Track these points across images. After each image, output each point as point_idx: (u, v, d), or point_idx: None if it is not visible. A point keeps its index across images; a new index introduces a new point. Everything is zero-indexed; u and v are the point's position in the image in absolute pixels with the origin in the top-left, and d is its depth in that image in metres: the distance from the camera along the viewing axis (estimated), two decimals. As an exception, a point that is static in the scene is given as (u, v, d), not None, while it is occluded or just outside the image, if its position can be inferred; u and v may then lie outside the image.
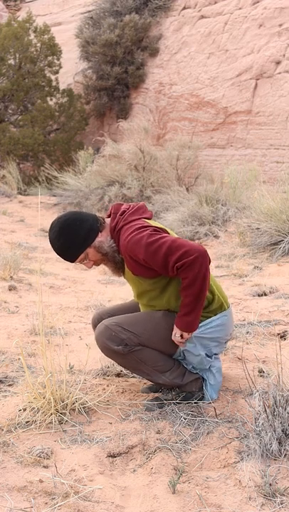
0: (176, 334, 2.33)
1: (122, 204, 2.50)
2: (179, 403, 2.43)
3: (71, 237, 2.33)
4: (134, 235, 2.27)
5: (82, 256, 2.39)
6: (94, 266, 2.49)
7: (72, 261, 2.41)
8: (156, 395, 2.55)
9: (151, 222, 2.40)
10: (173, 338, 2.35)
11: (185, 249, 2.18)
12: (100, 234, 2.39)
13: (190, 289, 2.22)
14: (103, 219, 2.45)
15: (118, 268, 2.45)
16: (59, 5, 17.16)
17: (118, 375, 2.84)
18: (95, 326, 2.61)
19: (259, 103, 9.79)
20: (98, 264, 2.47)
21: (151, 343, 2.37)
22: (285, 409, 2.01)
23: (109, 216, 2.49)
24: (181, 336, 2.32)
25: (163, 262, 2.21)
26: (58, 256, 2.43)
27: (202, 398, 2.46)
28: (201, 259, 2.18)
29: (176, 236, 2.43)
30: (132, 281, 2.46)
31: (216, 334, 2.42)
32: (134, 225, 2.33)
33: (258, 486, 1.85)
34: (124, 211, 2.43)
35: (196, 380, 2.47)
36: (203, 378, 2.48)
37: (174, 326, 2.34)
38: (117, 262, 2.43)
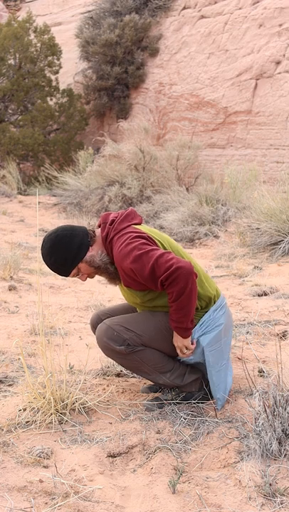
0: (177, 344, 2.35)
1: (111, 213, 2.50)
2: (179, 403, 2.43)
3: (62, 255, 2.35)
4: (124, 247, 2.27)
5: (74, 271, 2.41)
6: (88, 278, 2.50)
7: (65, 276, 2.44)
8: (156, 395, 2.55)
9: (142, 228, 2.39)
10: (174, 344, 2.36)
11: (170, 264, 2.19)
12: (90, 248, 2.40)
13: (176, 303, 2.23)
14: (93, 232, 2.45)
15: (113, 278, 2.46)
16: (59, 5, 17.16)
17: (118, 375, 2.84)
18: (93, 326, 2.62)
19: (259, 103, 9.79)
20: (92, 277, 2.49)
21: (153, 342, 2.38)
22: (285, 409, 2.01)
23: (99, 226, 2.49)
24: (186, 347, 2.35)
25: (150, 276, 2.22)
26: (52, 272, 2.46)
27: (203, 398, 2.46)
28: (187, 275, 2.19)
29: (169, 240, 2.44)
30: (124, 292, 2.48)
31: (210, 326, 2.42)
32: (125, 234, 2.33)
33: (258, 486, 1.85)
34: (113, 220, 2.43)
35: (196, 381, 2.47)
36: (204, 379, 2.48)
37: (174, 335, 2.35)
38: (111, 273, 2.44)
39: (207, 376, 2.44)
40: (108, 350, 2.39)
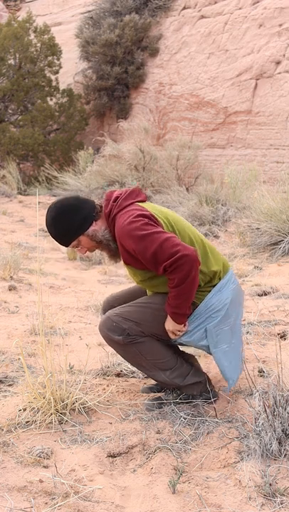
0: (169, 328, 2.32)
1: (115, 191, 2.48)
2: (179, 403, 2.43)
3: (65, 224, 2.34)
4: (127, 225, 2.24)
5: (74, 243, 2.40)
6: (88, 252, 2.49)
7: (65, 246, 2.44)
8: (158, 394, 2.54)
9: (146, 206, 2.36)
10: (166, 328, 2.34)
11: (175, 250, 2.16)
12: (94, 223, 2.38)
13: (177, 289, 2.21)
14: (101, 207, 2.42)
15: (114, 255, 2.44)
16: (59, 5, 17.16)
17: (118, 375, 2.84)
18: (104, 312, 2.61)
19: (259, 103, 9.79)
20: (92, 251, 2.47)
21: (152, 327, 2.35)
22: (285, 409, 2.01)
23: None
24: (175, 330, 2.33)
25: (152, 259, 2.20)
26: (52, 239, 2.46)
27: (204, 397, 2.44)
28: (191, 262, 2.16)
29: (174, 217, 2.39)
30: (127, 267, 2.46)
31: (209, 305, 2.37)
32: (128, 211, 2.30)
33: (258, 486, 1.85)
34: (117, 197, 2.40)
35: (198, 384, 2.43)
36: (209, 384, 2.46)
37: (167, 319, 2.33)
38: (112, 250, 2.42)
39: (215, 360, 2.38)
40: (109, 341, 2.39)
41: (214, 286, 2.38)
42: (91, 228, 2.37)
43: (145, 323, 2.35)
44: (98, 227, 2.38)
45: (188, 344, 2.42)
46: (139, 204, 2.36)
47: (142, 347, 2.36)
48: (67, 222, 2.34)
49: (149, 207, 2.37)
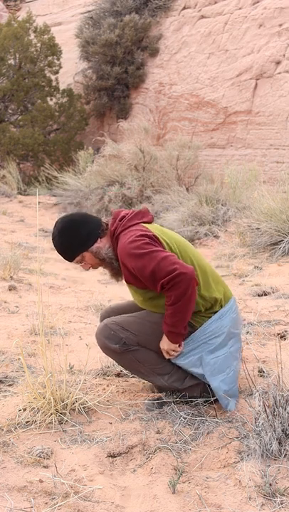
0: (164, 347, 2.34)
1: (123, 210, 2.51)
2: (178, 403, 2.43)
3: (70, 239, 2.37)
4: (128, 244, 2.27)
5: (78, 258, 2.42)
6: (92, 269, 2.51)
7: (69, 261, 2.45)
8: (159, 394, 2.54)
9: (150, 227, 2.39)
10: (161, 347, 2.35)
11: (172, 268, 2.18)
12: (99, 240, 2.41)
13: (173, 307, 2.23)
14: (107, 225, 2.45)
15: (116, 274, 2.47)
16: (59, 5, 17.16)
17: (118, 375, 2.84)
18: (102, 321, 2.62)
19: (259, 103, 9.79)
20: (96, 268, 2.49)
21: (149, 342, 2.38)
22: (285, 409, 2.01)
23: None
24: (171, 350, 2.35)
25: (150, 276, 2.22)
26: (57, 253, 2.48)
27: (204, 397, 2.44)
28: (188, 280, 2.18)
29: (178, 239, 2.42)
30: (129, 288, 2.48)
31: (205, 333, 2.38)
32: (131, 231, 2.33)
33: (258, 486, 1.85)
34: (123, 216, 2.44)
35: (197, 386, 2.44)
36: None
37: (163, 336, 2.34)
38: (115, 268, 2.45)
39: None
40: (105, 349, 2.41)
41: (215, 312, 2.40)
42: (95, 245, 2.40)
43: (142, 335, 2.37)
44: (102, 245, 2.41)
45: (184, 368, 2.42)
46: (144, 225, 2.39)
47: (138, 354, 2.38)
48: (72, 237, 2.37)
49: (153, 228, 2.40)
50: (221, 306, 2.43)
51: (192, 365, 2.38)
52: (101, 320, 2.64)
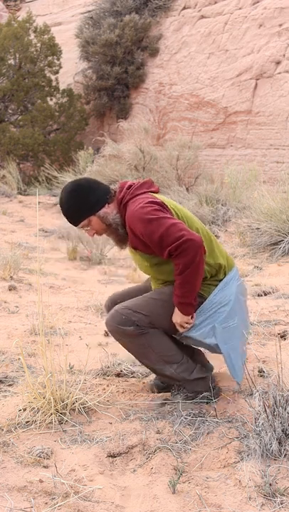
0: (177, 320, 2.34)
1: (129, 181, 2.54)
2: (179, 403, 2.43)
3: (78, 202, 2.39)
4: (138, 209, 2.29)
5: (85, 222, 2.43)
6: (96, 235, 2.52)
7: (75, 225, 2.47)
8: (164, 395, 2.54)
9: (158, 196, 2.41)
10: (174, 321, 2.35)
11: (180, 234, 2.19)
12: (107, 205, 2.43)
13: (182, 276, 2.23)
14: (115, 192, 2.47)
15: (120, 240, 2.48)
16: (59, 5, 17.16)
17: (118, 375, 2.84)
18: (108, 309, 2.62)
19: (259, 103, 9.80)
20: (100, 234, 2.50)
21: (161, 321, 2.37)
22: (285, 409, 2.01)
23: None
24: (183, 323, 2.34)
25: (158, 242, 2.23)
26: (64, 217, 2.50)
27: (208, 398, 2.44)
28: (196, 247, 2.19)
29: (184, 211, 2.45)
30: (133, 254, 2.49)
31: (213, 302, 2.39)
32: (140, 198, 2.36)
33: (258, 486, 1.85)
34: (130, 185, 2.47)
35: (204, 380, 2.44)
36: (213, 380, 2.46)
37: (175, 309, 2.34)
38: (120, 235, 2.45)
39: (225, 359, 2.39)
40: (117, 334, 2.40)
41: (220, 280, 2.42)
42: (103, 210, 2.42)
43: (154, 315, 2.36)
44: (110, 210, 2.43)
45: (197, 340, 2.41)
46: (152, 194, 2.42)
47: (151, 338, 2.37)
48: (81, 200, 2.39)
49: (161, 198, 2.43)
50: (225, 274, 2.44)
51: (206, 336, 2.37)
52: (107, 309, 2.63)
